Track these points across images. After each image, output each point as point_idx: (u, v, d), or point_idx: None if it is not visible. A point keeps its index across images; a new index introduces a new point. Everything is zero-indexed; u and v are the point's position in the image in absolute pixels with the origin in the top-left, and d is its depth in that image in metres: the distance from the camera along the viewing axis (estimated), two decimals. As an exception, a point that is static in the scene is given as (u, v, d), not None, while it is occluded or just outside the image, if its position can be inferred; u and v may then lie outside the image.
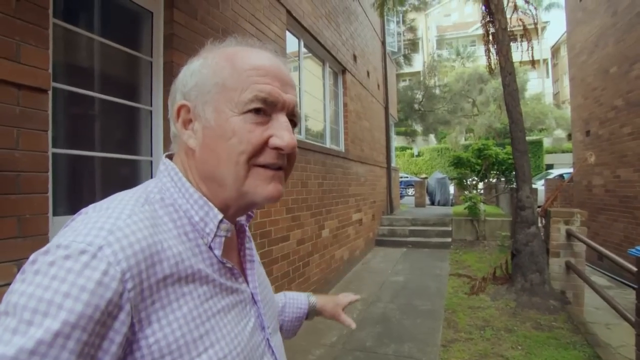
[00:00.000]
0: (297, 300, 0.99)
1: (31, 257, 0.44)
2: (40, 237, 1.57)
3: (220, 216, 0.56)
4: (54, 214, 1.72)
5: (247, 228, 0.68)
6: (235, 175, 0.54)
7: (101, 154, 2.09)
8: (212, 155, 0.55)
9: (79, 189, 2.01)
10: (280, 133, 0.55)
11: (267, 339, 0.64)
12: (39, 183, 1.58)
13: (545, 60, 31.05)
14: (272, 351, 0.64)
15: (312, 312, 1.01)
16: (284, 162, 0.58)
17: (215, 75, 0.55)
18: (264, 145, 0.55)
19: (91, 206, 0.52)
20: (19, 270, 1.37)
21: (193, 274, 0.52)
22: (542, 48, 29.55)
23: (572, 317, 3.97)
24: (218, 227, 0.56)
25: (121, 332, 0.44)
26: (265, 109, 0.55)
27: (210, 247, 0.56)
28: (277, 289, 3.65)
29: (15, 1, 1.50)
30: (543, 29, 30.90)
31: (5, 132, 1.47)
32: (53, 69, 1.68)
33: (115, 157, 2.16)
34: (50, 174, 1.64)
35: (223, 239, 0.57)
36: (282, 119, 0.57)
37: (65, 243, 0.44)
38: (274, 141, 0.55)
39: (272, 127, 0.56)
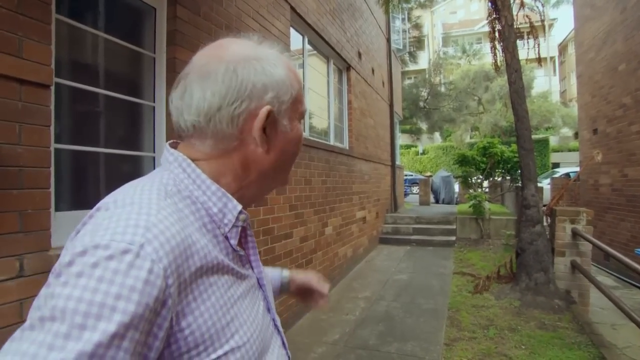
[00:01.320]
0: (271, 273, 0.99)
1: (66, 259, 0.43)
2: (42, 233, 1.58)
3: (240, 207, 0.59)
4: (56, 210, 1.73)
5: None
6: (289, 170, 0.67)
7: (104, 150, 2.09)
8: (283, 157, 0.63)
9: (81, 185, 2.02)
10: None
11: (273, 319, 0.68)
12: (41, 178, 1.58)
13: (552, 58, 30.74)
14: (278, 330, 0.69)
15: (285, 286, 0.99)
16: None
17: (292, 87, 0.61)
18: None
19: (110, 201, 0.51)
20: (20, 265, 1.35)
21: (217, 265, 0.55)
22: (549, 45, 29.27)
23: (577, 317, 3.93)
24: (237, 218, 0.59)
25: (164, 327, 0.45)
26: None
27: (226, 237, 0.58)
28: (280, 286, 3.65)
29: (18, -4, 1.50)
30: (550, 26, 30.60)
31: (7, 128, 1.47)
32: (55, 65, 1.68)
33: (118, 153, 2.16)
34: (52, 169, 1.64)
35: (239, 229, 0.60)
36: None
37: (104, 243, 0.43)
38: None
39: None
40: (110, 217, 0.47)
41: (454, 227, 7.98)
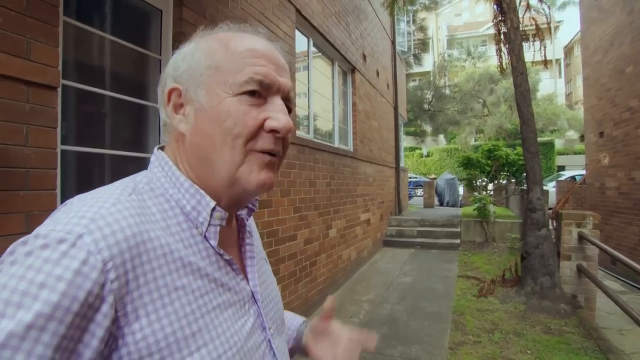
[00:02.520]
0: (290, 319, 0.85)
1: (9, 248, 0.42)
2: (48, 234, 1.58)
3: (213, 204, 0.54)
4: (63, 211, 1.73)
5: (247, 222, 0.65)
6: (231, 159, 0.52)
7: (109, 151, 2.10)
8: (205, 139, 0.53)
9: (87, 186, 2.02)
10: (277, 115, 0.54)
11: (269, 340, 0.60)
12: (48, 180, 1.59)
13: (557, 61, 30.58)
14: (274, 353, 0.61)
15: (301, 333, 0.82)
16: (280, 149, 0.56)
17: (209, 58, 0.54)
18: (259, 128, 0.53)
19: (76, 197, 0.50)
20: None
21: (185, 267, 0.50)
22: (555, 48, 29.11)
23: (584, 321, 3.89)
24: (211, 216, 0.54)
25: (103, 326, 0.42)
26: (260, 92, 0.53)
27: (205, 238, 0.54)
28: (284, 289, 3.65)
29: (26, -1, 1.51)
30: (556, 28, 30.44)
31: (15, 129, 1.48)
32: (62, 67, 1.69)
33: (123, 155, 2.17)
34: (58, 170, 1.65)
35: (218, 228, 0.54)
36: (277, 102, 0.55)
37: (43, 232, 0.42)
38: (270, 123, 0.53)
39: (267, 109, 0.54)
40: (65, 210, 0.46)
41: (459, 230, 7.94)
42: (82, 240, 0.42)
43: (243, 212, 0.63)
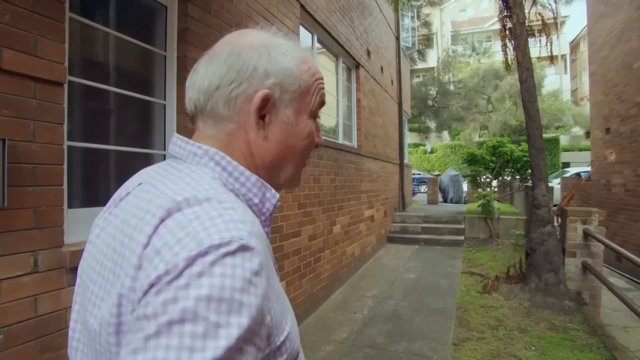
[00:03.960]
0: None
1: (182, 262, 0.40)
2: (55, 229, 1.60)
3: (278, 195, 0.60)
4: (69, 206, 1.75)
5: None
6: (297, 166, 0.64)
7: (115, 147, 2.11)
8: (287, 150, 0.61)
9: (94, 182, 2.04)
10: (319, 133, 0.66)
11: None
12: (55, 175, 1.60)
13: (563, 56, 30.28)
14: None
15: None
16: None
17: (301, 78, 0.60)
18: None
19: (182, 200, 0.47)
20: (35, 261, 1.36)
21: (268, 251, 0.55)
22: (561, 43, 28.80)
23: (589, 318, 3.88)
24: (274, 205, 0.60)
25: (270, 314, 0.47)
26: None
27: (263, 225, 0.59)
28: (289, 285, 3.66)
29: (33, -5, 1.51)
30: (562, 23, 30.11)
31: (22, 125, 1.49)
32: (69, 63, 1.69)
33: (129, 151, 2.18)
34: (65, 166, 1.66)
35: (272, 216, 0.61)
36: (318, 121, 0.67)
37: (215, 242, 0.41)
38: (317, 140, 0.65)
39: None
40: (198, 215, 0.44)
41: (463, 226, 7.92)
42: (251, 242, 0.44)
43: None
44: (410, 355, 3.18)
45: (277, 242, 3.47)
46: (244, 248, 0.42)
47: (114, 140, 2.11)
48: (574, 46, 30.29)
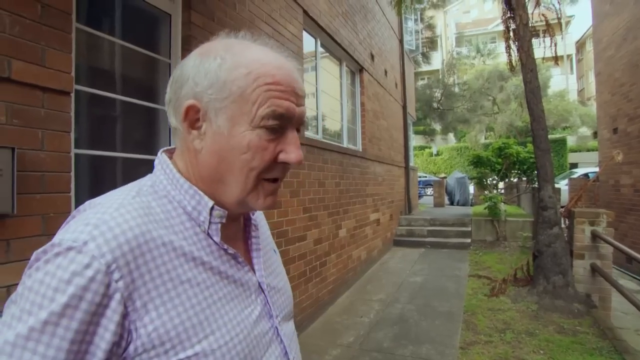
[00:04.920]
0: None
1: (34, 255, 0.49)
2: (63, 235, 1.62)
3: (211, 203, 0.57)
4: (77, 213, 1.77)
5: (253, 217, 0.68)
6: (244, 186, 0.56)
7: (121, 154, 2.13)
8: (221, 164, 0.56)
9: (100, 189, 2.06)
10: (290, 149, 0.57)
11: (276, 328, 0.64)
12: (62, 183, 1.63)
13: (569, 56, 30.08)
14: (281, 339, 0.64)
15: None
16: (285, 174, 0.61)
17: (234, 83, 0.54)
18: (274, 161, 0.56)
19: (87, 202, 0.55)
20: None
21: (189, 262, 0.54)
22: (567, 43, 28.64)
23: (599, 321, 3.83)
24: (211, 215, 0.57)
25: (114, 320, 0.47)
26: (278, 125, 0.55)
27: (208, 234, 0.57)
28: (294, 289, 3.66)
29: (41, 7, 1.55)
30: (567, 23, 29.95)
31: (31, 134, 1.52)
32: (75, 72, 1.73)
33: (135, 157, 2.21)
34: (72, 174, 1.69)
35: (219, 225, 0.58)
36: (292, 134, 0.58)
37: (57, 242, 0.48)
38: (283, 157, 0.56)
39: (282, 142, 0.57)
40: (76, 219, 0.51)
41: (469, 229, 7.87)
42: (87, 246, 0.46)
43: None
44: (417, 359, 3.16)
45: (283, 246, 3.48)
46: (69, 249, 0.46)
47: (121, 148, 2.14)
48: (580, 46, 30.07)
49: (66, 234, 0.48)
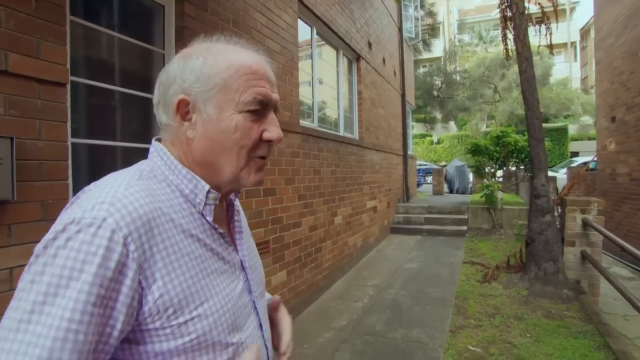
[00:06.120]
0: None
1: (50, 235, 0.53)
2: (62, 221, 1.70)
3: (207, 187, 0.65)
4: (75, 200, 1.85)
5: (235, 202, 0.76)
6: (237, 163, 0.65)
7: (117, 143, 2.20)
8: (215, 146, 0.64)
9: (97, 177, 2.13)
10: (271, 128, 0.67)
11: (254, 301, 0.73)
12: (60, 171, 1.70)
13: (573, 44, 29.69)
14: (257, 312, 0.73)
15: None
16: (269, 152, 0.70)
17: (217, 76, 0.63)
18: (259, 139, 0.66)
19: (92, 184, 0.61)
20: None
21: (188, 237, 0.62)
22: (570, 30, 28.26)
23: (586, 307, 3.93)
24: (207, 197, 0.65)
25: (132, 287, 0.53)
26: (260, 109, 0.65)
27: (202, 215, 0.65)
28: (289, 274, 3.77)
29: (35, 1, 1.60)
30: (572, 10, 29.50)
31: (29, 124, 1.59)
32: (71, 64, 1.78)
33: (131, 146, 2.27)
34: (69, 162, 1.76)
35: (213, 206, 0.66)
36: (272, 116, 0.68)
37: (75, 220, 0.53)
38: (266, 135, 0.66)
39: (264, 123, 0.66)
40: (87, 197, 0.57)
41: (466, 216, 7.96)
42: (106, 222, 0.53)
43: (231, 195, 0.76)
44: (407, 342, 3.28)
45: (278, 232, 3.57)
46: (90, 225, 0.52)
47: (117, 137, 2.21)
48: (585, 33, 29.63)
49: (84, 213, 0.53)
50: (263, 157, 0.67)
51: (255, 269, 0.78)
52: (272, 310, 0.84)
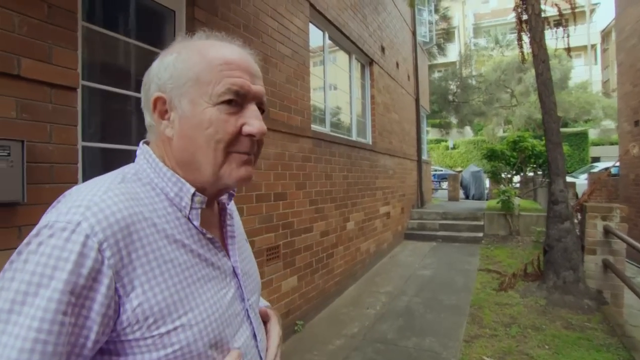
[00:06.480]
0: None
1: (26, 239, 0.51)
2: (71, 224, 1.71)
3: (193, 190, 0.62)
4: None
5: (228, 206, 0.72)
6: (214, 160, 0.60)
7: (126, 147, 2.22)
8: (190, 143, 0.60)
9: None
10: (252, 121, 0.61)
11: (247, 310, 0.69)
12: (70, 174, 1.72)
13: (593, 46, 29.00)
14: (251, 321, 0.69)
15: None
16: (255, 149, 0.64)
17: (190, 70, 0.60)
18: (238, 133, 0.61)
19: (74, 187, 0.59)
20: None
21: (172, 244, 0.58)
22: (590, 32, 27.64)
23: (609, 318, 3.77)
24: (192, 200, 0.61)
25: (106, 295, 0.50)
26: (237, 100, 0.61)
27: (188, 219, 0.62)
28: (300, 279, 3.73)
29: (47, 7, 1.63)
30: (592, 11, 28.86)
31: (40, 128, 1.61)
32: (82, 68, 1.81)
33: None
34: (80, 165, 1.78)
35: (199, 210, 0.62)
36: (252, 108, 0.63)
37: (49, 223, 0.51)
38: (246, 128, 0.61)
39: (244, 115, 0.61)
40: (65, 201, 0.55)
41: (482, 223, 7.79)
42: (81, 226, 0.50)
43: (224, 197, 0.72)
44: (419, 351, 3.19)
45: (289, 237, 3.54)
46: (63, 230, 0.50)
47: (126, 140, 2.23)
48: (606, 35, 28.88)
49: (59, 216, 0.51)
50: (247, 153, 0.62)
51: (250, 275, 0.74)
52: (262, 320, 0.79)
